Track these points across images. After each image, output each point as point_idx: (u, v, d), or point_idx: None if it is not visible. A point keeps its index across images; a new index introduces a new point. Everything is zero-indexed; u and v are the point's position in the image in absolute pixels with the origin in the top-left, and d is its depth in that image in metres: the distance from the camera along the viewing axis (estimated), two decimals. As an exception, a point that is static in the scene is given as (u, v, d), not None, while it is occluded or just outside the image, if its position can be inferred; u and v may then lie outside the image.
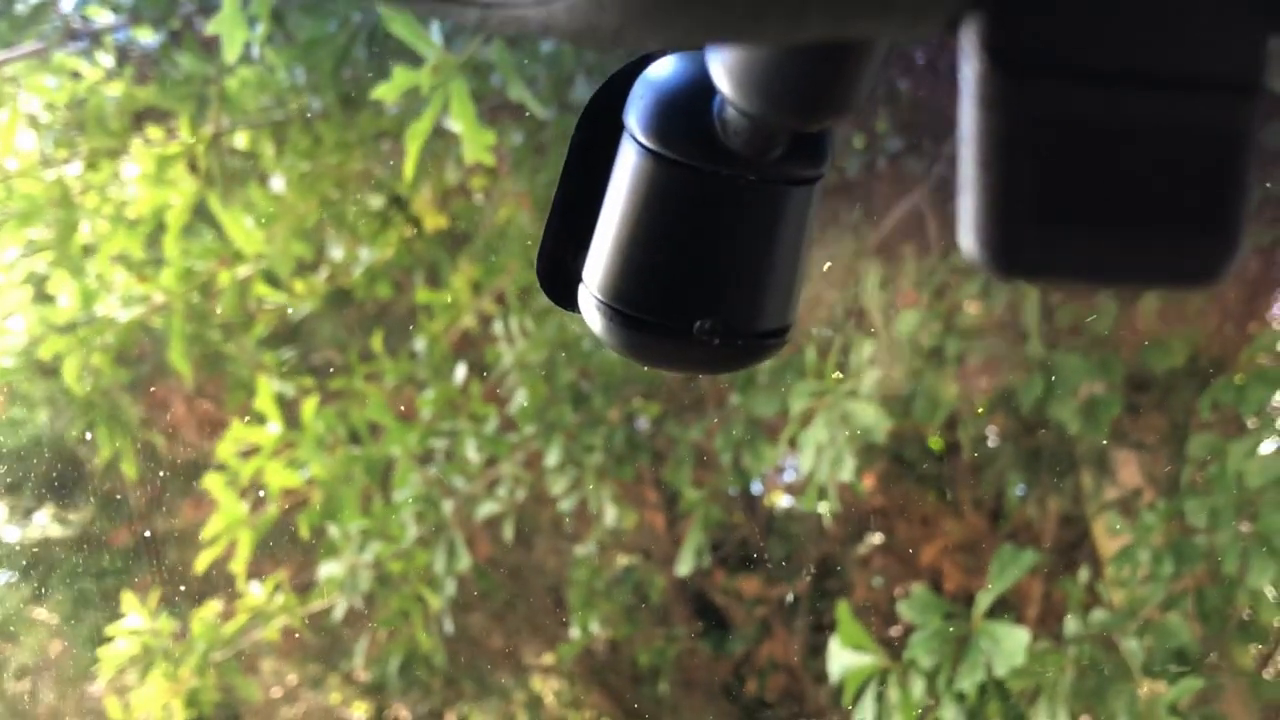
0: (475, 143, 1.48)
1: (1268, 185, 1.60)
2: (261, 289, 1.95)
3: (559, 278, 0.41)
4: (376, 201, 1.98)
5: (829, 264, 1.86)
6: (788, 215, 0.36)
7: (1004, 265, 0.20)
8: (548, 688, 2.35)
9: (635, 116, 0.36)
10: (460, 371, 1.95)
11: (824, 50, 0.27)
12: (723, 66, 0.29)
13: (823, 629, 1.93)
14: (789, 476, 2.15)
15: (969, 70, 0.19)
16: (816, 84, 0.28)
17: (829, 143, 0.36)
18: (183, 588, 1.99)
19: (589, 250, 0.39)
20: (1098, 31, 0.19)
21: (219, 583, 1.96)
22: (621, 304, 0.38)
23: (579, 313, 0.40)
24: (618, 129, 0.37)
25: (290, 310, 2.00)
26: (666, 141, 0.35)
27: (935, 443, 1.99)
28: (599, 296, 0.38)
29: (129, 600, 1.93)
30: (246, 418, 1.92)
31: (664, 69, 0.36)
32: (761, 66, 0.28)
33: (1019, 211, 0.19)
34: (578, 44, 0.20)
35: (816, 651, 1.91)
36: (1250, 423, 1.64)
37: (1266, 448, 1.58)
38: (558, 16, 0.19)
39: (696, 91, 0.35)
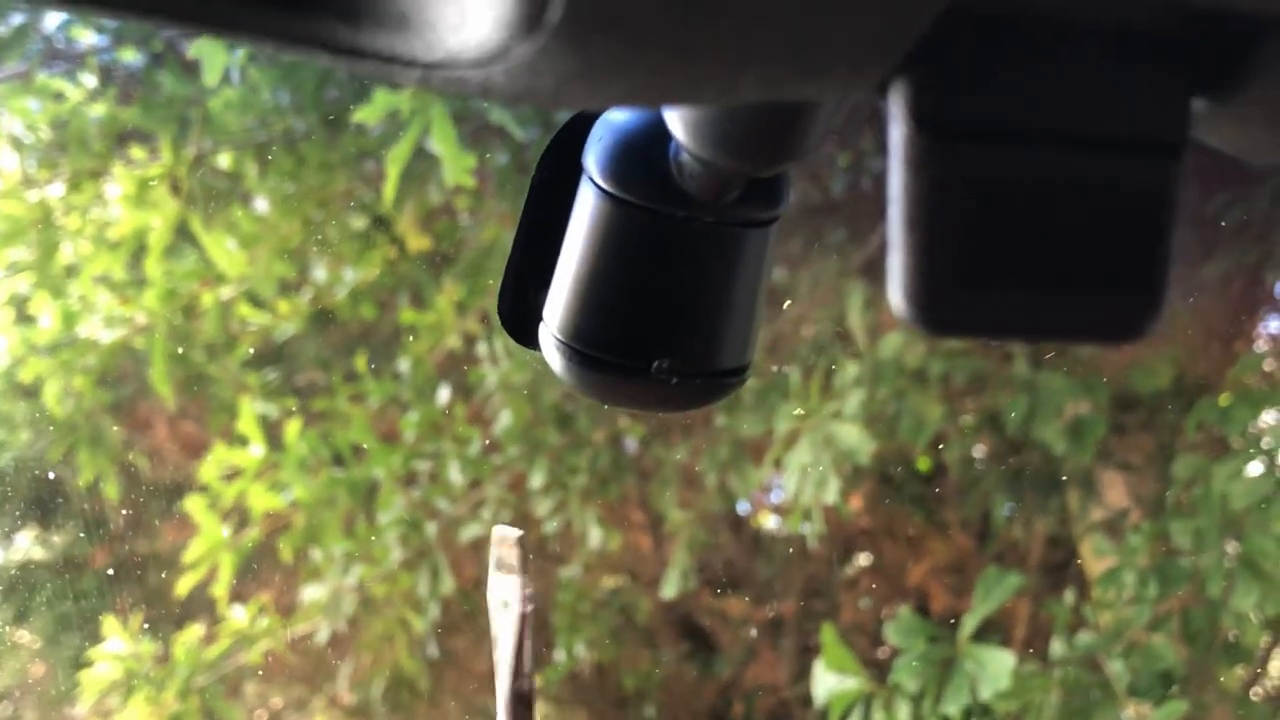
0: (456, 166, 1.48)
1: (1246, 208, 1.61)
2: (244, 310, 1.94)
3: (520, 316, 0.41)
4: (360, 222, 1.98)
5: (814, 283, 1.86)
6: (744, 256, 0.36)
7: (931, 323, 0.20)
8: (533, 710, 2.34)
9: (594, 159, 0.36)
10: (444, 393, 1.95)
11: (772, 103, 0.27)
12: (677, 114, 0.29)
13: (810, 651, 1.93)
14: (776, 497, 2.14)
15: (896, 132, 0.19)
16: (768, 133, 0.29)
17: (785, 185, 0.36)
18: (164, 612, 1.97)
19: (549, 289, 0.39)
20: (1021, 95, 0.19)
21: (201, 606, 1.94)
22: (580, 343, 0.38)
23: (540, 350, 0.40)
24: (579, 168, 0.37)
25: (273, 331, 1.99)
26: (624, 184, 0.35)
27: (923, 463, 1.99)
28: (558, 335, 0.38)
29: (110, 624, 1.92)
30: (229, 440, 1.92)
31: (622, 112, 0.36)
32: (714, 116, 0.28)
33: (944, 271, 0.19)
34: (519, 104, 0.20)
35: (804, 673, 1.90)
36: (1235, 444, 1.64)
37: (1252, 469, 1.58)
38: (496, 79, 0.19)
39: (653, 135, 0.35)
